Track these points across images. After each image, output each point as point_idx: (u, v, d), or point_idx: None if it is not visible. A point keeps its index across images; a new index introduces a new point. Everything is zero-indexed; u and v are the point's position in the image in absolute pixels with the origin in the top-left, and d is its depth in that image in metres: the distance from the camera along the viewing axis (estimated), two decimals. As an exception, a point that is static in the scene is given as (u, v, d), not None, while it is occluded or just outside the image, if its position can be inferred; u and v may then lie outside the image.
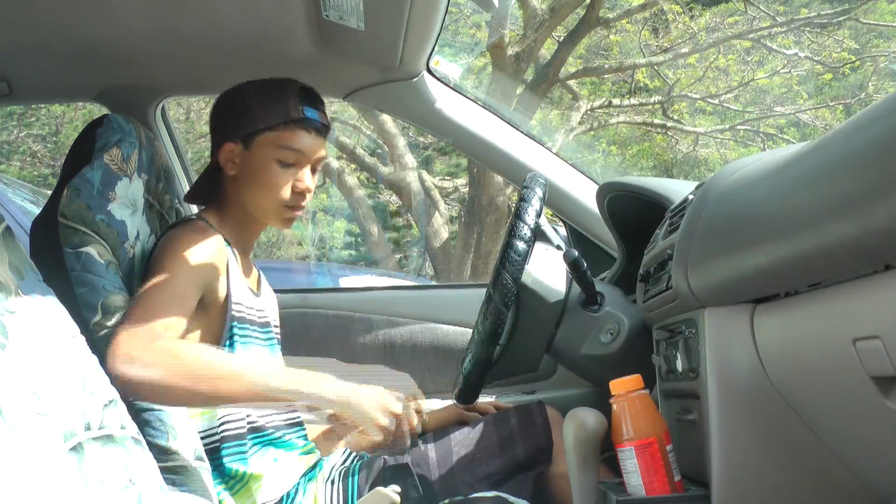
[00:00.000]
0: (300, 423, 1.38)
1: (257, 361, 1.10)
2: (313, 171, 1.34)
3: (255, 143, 1.29)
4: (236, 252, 1.32)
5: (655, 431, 0.99)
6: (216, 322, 1.24)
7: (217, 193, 1.36)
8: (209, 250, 1.22)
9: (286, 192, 1.30)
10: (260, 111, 1.28)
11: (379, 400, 1.11)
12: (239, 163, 1.31)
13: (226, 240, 1.30)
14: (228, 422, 1.24)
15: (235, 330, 1.26)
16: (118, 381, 0.99)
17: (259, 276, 1.45)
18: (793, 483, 0.87)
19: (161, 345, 1.06)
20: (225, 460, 1.23)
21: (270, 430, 1.30)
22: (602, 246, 1.76)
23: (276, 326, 1.42)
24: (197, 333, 1.23)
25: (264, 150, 1.29)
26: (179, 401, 1.07)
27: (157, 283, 1.15)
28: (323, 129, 1.33)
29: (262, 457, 1.27)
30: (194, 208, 1.48)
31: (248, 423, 1.26)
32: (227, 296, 1.25)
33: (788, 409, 0.85)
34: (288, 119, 1.28)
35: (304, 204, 1.32)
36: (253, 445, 1.27)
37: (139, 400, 1.05)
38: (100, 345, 1.08)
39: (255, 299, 1.34)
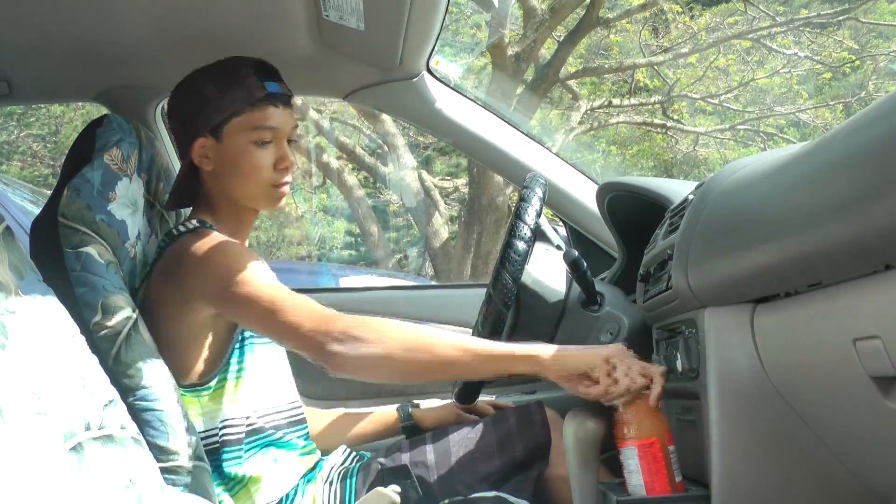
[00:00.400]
0: (302, 422, 1.37)
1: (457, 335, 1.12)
2: (289, 142, 1.31)
3: (225, 132, 1.26)
4: None
5: (658, 431, 0.99)
6: (228, 324, 1.24)
7: (200, 193, 1.33)
8: (240, 249, 1.22)
9: (270, 173, 1.27)
10: (221, 99, 1.25)
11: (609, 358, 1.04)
12: (214, 156, 1.27)
13: None
14: (229, 426, 1.24)
15: (248, 332, 1.26)
16: (336, 362, 1.05)
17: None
18: (793, 483, 0.87)
19: (369, 321, 1.09)
20: (224, 464, 1.23)
21: (271, 431, 1.29)
22: (602, 246, 1.76)
23: None
24: (210, 334, 1.23)
25: (237, 137, 1.25)
26: (399, 373, 1.10)
27: (254, 280, 1.15)
28: (288, 100, 1.30)
29: (262, 458, 1.27)
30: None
31: (248, 425, 1.26)
32: None
33: (788, 409, 0.85)
34: (252, 99, 1.25)
35: (289, 179, 1.30)
36: (250, 448, 1.26)
37: (355, 376, 1.08)
38: (100, 345, 1.08)
39: None
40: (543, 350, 1.08)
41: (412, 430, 1.47)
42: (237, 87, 1.25)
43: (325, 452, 1.40)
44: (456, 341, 1.09)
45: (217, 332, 1.23)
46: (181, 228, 1.27)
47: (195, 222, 1.29)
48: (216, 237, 1.23)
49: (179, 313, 1.20)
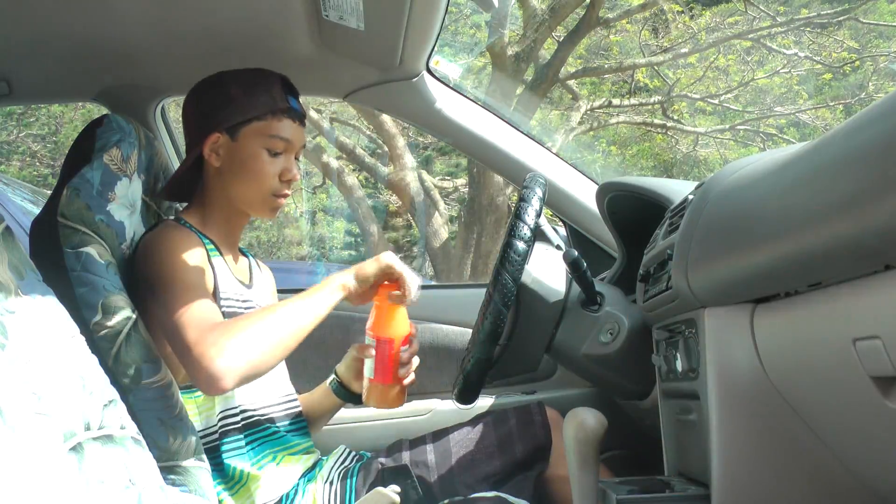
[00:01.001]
0: (299, 416, 1.38)
1: (287, 301, 1.19)
2: (295, 158, 1.36)
3: (241, 133, 1.29)
4: (221, 249, 1.32)
5: (399, 333, 1.23)
6: None
7: (199, 188, 1.35)
8: (189, 246, 1.23)
9: (274, 181, 1.31)
10: (246, 101, 1.29)
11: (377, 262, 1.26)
12: (224, 154, 1.30)
13: (210, 239, 1.30)
14: (226, 417, 1.25)
15: None
16: (226, 381, 1.05)
17: (250, 265, 1.44)
18: (792, 483, 0.87)
19: (227, 331, 1.09)
20: (224, 457, 1.23)
21: (267, 424, 1.30)
22: (602, 246, 1.76)
23: None
24: None
25: (252, 140, 1.29)
26: (274, 362, 1.12)
27: (174, 289, 1.15)
28: (304, 119, 1.36)
29: (261, 455, 1.27)
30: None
31: (244, 418, 1.27)
32: (216, 291, 1.26)
33: (788, 408, 0.85)
34: (275, 108, 1.29)
35: (288, 192, 1.34)
36: (251, 441, 1.27)
37: (248, 382, 1.10)
38: (100, 345, 1.08)
39: (246, 291, 1.34)
40: (346, 279, 1.23)
41: (346, 395, 1.45)
42: (263, 93, 1.29)
43: (325, 452, 1.41)
44: (290, 308, 1.15)
45: None
46: (152, 225, 1.29)
47: (171, 218, 1.31)
48: (176, 228, 1.25)
49: (148, 307, 1.20)
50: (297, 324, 1.14)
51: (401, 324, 1.24)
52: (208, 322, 1.10)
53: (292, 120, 1.32)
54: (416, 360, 1.27)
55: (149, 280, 1.18)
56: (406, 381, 1.25)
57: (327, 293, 1.20)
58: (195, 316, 1.11)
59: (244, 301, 1.33)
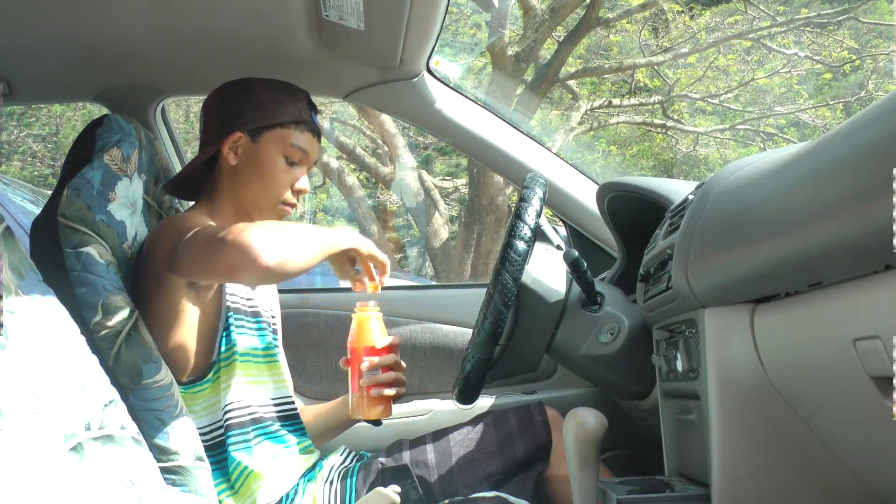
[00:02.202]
0: (296, 417, 1.38)
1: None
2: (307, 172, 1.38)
3: (263, 137, 1.32)
4: None
5: (359, 345, 1.25)
6: (212, 311, 1.26)
7: (208, 186, 1.37)
8: (198, 217, 1.26)
9: (286, 190, 1.33)
10: (275, 107, 1.32)
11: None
12: (243, 154, 1.32)
13: None
14: (232, 410, 1.25)
15: (231, 319, 1.28)
16: (267, 255, 1.03)
17: None
18: (793, 483, 0.87)
19: (253, 224, 1.09)
20: (231, 449, 1.23)
21: (268, 422, 1.30)
22: (602, 246, 1.76)
23: (272, 316, 1.43)
24: (196, 320, 1.24)
25: (272, 146, 1.32)
26: (301, 262, 1.09)
27: (196, 230, 1.15)
28: (320, 135, 1.39)
29: (261, 453, 1.27)
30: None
31: (249, 413, 1.27)
32: (221, 286, 1.26)
33: (788, 409, 0.85)
34: (299, 119, 1.33)
35: (296, 203, 1.37)
36: (256, 436, 1.27)
37: (284, 277, 1.10)
38: (100, 345, 1.08)
39: (249, 290, 1.36)
40: (355, 234, 1.21)
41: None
42: (291, 104, 1.33)
43: (325, 452, 1.41)
44: (305, 226, 1.16)
45: (204, 316, 1.25)
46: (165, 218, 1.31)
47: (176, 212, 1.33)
48: (184, 213, 1.27)
49: (159, 296, 1.21)
50: (312, 238, 1.13)
51: (366, 335, 1.26)
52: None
53: (312, 134, 1.35)
54: (390, 374, 1.25)
55: (165, 250, 1.18)
56: (373, 392, 1.23)
57: (336, 233, 1.19)
58: (221, 227, 1.11)
59: (248, 300, 1.34)
